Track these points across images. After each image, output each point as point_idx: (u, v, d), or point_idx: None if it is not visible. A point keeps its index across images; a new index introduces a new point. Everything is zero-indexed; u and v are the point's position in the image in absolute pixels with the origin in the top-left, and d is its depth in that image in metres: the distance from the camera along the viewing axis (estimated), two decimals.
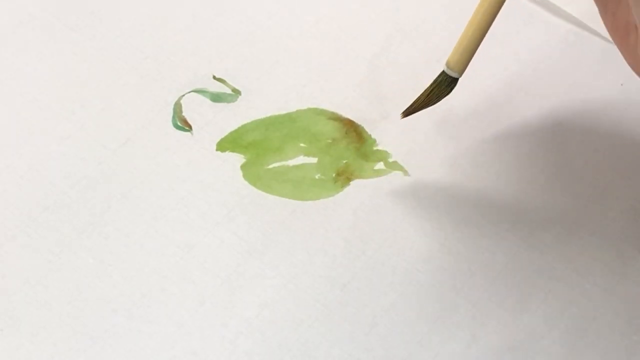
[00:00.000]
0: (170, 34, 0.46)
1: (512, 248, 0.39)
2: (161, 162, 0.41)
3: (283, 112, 0.43)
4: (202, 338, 0.36)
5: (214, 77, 0.44)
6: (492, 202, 0.40)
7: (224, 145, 0.42)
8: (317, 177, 0.41)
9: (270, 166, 0.41)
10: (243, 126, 0.42)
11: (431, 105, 0.40)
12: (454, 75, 0.39)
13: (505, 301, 0.38)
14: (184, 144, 0.42)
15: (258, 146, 0.42)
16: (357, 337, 0.36)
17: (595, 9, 0.39)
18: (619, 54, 0.42)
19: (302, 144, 0.42)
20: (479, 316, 0.37)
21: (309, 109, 0.43)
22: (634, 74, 0.40)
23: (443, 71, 0.39)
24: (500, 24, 0.47)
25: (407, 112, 0.40)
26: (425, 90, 0.40)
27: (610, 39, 0.39)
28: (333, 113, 0.43)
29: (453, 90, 0.40)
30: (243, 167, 0.41)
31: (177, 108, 0.43)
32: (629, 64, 0.40)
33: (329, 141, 0.42)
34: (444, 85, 0.40)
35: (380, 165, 0.41)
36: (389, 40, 0.46)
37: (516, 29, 0.46)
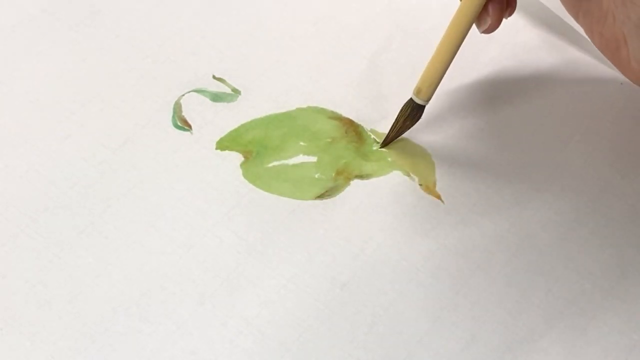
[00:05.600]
0: (170, 34, 0.46)
1: (512, 248, 0.39)
2: (161, 161, 0.41)
3: (283, 111, 0.43)
4: (202, 338, 0.36)
5: (214, 77, 0.44)
6: (492, 202, 0.40)
7: (223, 144, 0.42)
8: (316, 176, 0.41)
9: (270, 165, 0.41)
10: (243, 125, 0.42)
11: (404, 132, 0.42)
12: (421, 103, 0.41)
13: (505, 301, 0.38)
14: (184, 143, 0.42)
15: (258, 145, 0.42)
16: (357, 337, 0.36)
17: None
18: None
19: (301, 143, 0.42)
20: (478, 316, 0.37)
21: (309, 108, 0.43)
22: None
23: (411, 99, 0.41)
24: (500, 26, 0.47)
25: (384, 143, 0.42)
26: (396, 120, 0.42)
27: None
28: (333, 112, 0.43)
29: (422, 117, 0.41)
30: (243, 166, 0.41)
31: (177, 108, 0.43)
32: (627, 77, 0.40)
33: (329, 140, 0.42)
34: (413, 113, 0.41)
35: (379, 165, 0.41)
36: (389, 39, 0.46)
37: (516, 30, 0.46)
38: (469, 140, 0.42)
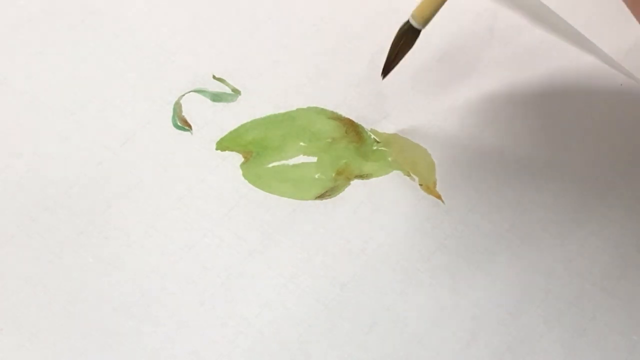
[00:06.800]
0: (170, 34, 0.46)
1: (512, 248, 0.39)
2: (161, 161, 0.41)
3: (283, 111, 0.43)
4: (202, 338, 0.36)
5: (214, 77, 0.44)
6: (492, 202, 0.40)
7: (223, 144, 0.42)
8: (316, 176, 0.41)
9: (270, 165, 0.41)
10: (243, 125, 0.42)
11: (401, 58, 0.41)
12: (418, 27, 0.40)
13: (505, 301, 0.38)
14: (184, 143, 0.42)
15: (258, 145, 0.42)
16: (357, 337, 0.36)
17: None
18: (618, 54, 0.42)
19: (302, 143, 0.42)
20: (478, 316, 0.37)
21: (309, 108, 0.43)
22: (633, 74, 0.40)
23: (407, 21, 0.40)
24: (500, 25, 0.47)
25: (385, 72, 0.41)
26: (392, 44, 0.41)
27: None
28: (333, 112, 0.43)
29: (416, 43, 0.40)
30: (243, 166, 0.41)
31: (177, 108, 0.43)
32: None
33: (329, 140, 0.42)
34: (408, 36, 0.40)
35: (379, 165, 0.41)
36: (389, 39, 0.46)
37: (517, 30, 0.46)
38: (469, 140, 0.42)
